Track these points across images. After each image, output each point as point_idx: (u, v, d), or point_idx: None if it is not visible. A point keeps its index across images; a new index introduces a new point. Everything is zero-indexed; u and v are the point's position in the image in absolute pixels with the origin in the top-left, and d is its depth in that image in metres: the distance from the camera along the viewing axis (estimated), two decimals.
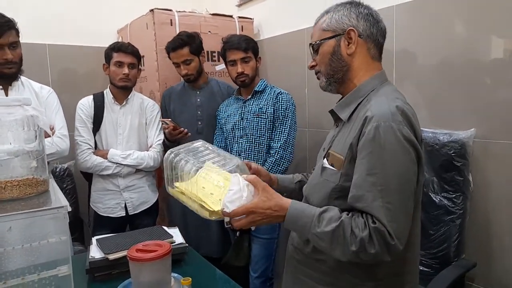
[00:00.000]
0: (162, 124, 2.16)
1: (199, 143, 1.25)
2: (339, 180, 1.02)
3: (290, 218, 1.01)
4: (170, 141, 2.19)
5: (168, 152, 1.19)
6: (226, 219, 1.04)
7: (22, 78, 1.88)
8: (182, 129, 2.12)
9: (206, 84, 2.30)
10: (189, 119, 2.25)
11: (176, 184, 1.16)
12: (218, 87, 2.30)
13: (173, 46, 2.14)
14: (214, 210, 1.04)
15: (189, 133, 2.13)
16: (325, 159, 1.09)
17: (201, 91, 2.28)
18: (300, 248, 1.12)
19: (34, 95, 1.89)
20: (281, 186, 1.33)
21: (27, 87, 1.89)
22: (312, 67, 1.16)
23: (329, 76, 1.11)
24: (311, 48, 1.14)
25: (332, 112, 1.14)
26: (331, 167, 1.06)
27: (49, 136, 1.86)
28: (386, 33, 1.12)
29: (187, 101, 2.27)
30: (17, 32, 1.78)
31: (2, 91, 1.81)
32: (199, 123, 2.26)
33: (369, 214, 0.93)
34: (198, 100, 2.27)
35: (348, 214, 0.96)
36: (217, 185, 1.07)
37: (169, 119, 2.14)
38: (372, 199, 0.92)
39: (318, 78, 1.16)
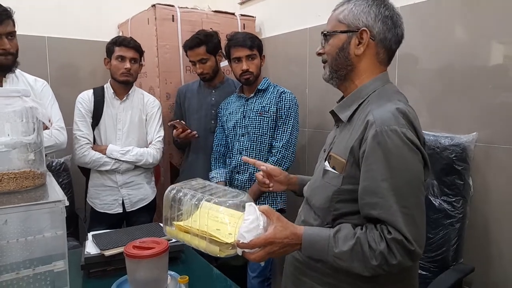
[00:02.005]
0: (173, 126, 2.14)
1: (199, 180, 1.18)
2: (340, 183, 1.01)
3: (306, 244, 0.98)
4: (180, 139, 2.20)
5: (169, 189, 1.12)
6: (239, 251, 0.96)
7: (16, 70, 1.85)
8: (189, 131, 2.10)
9: (222, 84, 2.30)
10: (203, 117, 2.25)
11: (178, 222, 1.08)
12: (234, 86, 2.29)
13: (190, 45, 2.14)
14: (227, 243, 0.97)
15: (197, 135, 2.12)
16: (327, 161, 1.08)
17: (216, 90, 2.28)
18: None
19: (28, 87, 1.85)
20: (301, 186, 1.29)
21: (21, 80, 1.86)
22: (319, 54, 1.13)
23: (332, 71, 1.09)
24: (323, 35, 1.10)
25: (332, 112, 1.12)
26: (332, 170, 1.04)
27: (47, 128, 1.83)
28: (403, 39, 1.08)
29: (202, 99, 2.27)
30: (14, 22, 1.74)
31: None
32: (212, 122, 2.25)
33: (384, 225, 0.92)
34: (213, 99, 2.26)
35: (362, 229, 0.95)
36: (222, 222, 1.00)
37: (178, 121, 2.12)
38: (387, 206, 0.91)
39: (324, 68, 1.13)
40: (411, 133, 0.93)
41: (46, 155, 1.85)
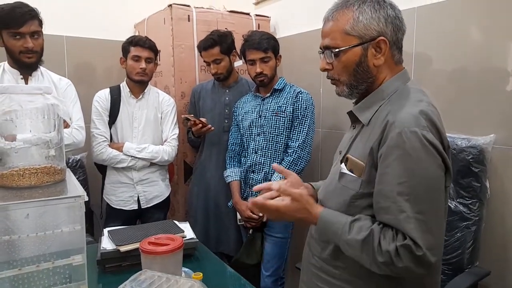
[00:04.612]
0: (186, 120, 2.14)
1: (146, 273, 1.08)
2: (359, 187, 0.98)
3: (321, 225, 0.99)
4: (196, 136, 2.21)
5: None
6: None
7: (42, 68, 1.90)
8: (199, 124, 2.09)
9: (236, 83, 2.31)
10: (217, 117, 2.26)
11: None
12: (248, 86, 2.30)
13: (204, 46, 2.15)
14: None
15: (212, 127, 2.12)
16: (343, 164, 1.03)
17: (230, 89, 2.29)
18: (318, 254, 1.09)
19: (52, 86, 1.90)
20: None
21: (46, 78, 1.91)
22: (325, 70, 1.04)
23: (352, 87, 1.02)
24: (329, 52, 1.00)
25: (350, 113, 1.07)
26: (350, 173, 1.00)
27: (68, 126, 1.87)
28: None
29: (216, 99, 2.28)
30: (40, 22, 1.78)
31: (23, 80, 1.83)
32: (226, 121, 2.26)
33: (397, 231, 0.89)
34: (227, 98, 2.27)
35: (379, 225, 0.93)
36: None
37: (191, 115, 2.13)
38: (399, 211, 0.88)
39: (335, 85, 1.06)
40: (432, 136, 0.89)
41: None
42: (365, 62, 0.98)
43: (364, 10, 0.96)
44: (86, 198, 0.99)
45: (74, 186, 1.10)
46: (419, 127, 0.88)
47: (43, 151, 1.10)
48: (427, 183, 0.89)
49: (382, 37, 0.96)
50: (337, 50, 0.98)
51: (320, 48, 1.04)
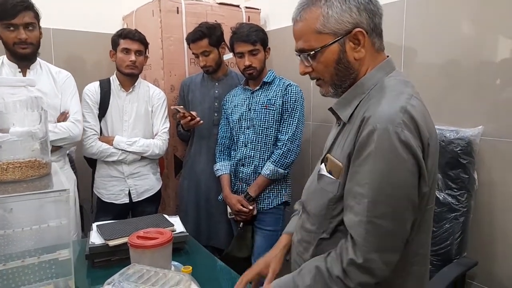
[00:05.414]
0: (176, 112, 2.12)
1: (135, 267, 1.09)
2: (337, 190, 0.93)
3: None
4: (185, 130, 2.20)
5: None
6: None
7: (41, 61, 1.89)
8: (197, 119, 2.07)
9: (225, 76, 2.29)
10: (206, 110, 2.24)
11: None
12: (237, 79, 2.29)
13: (192, 38, 2.13)
14: None
15: (201, 121, 2.10)
16: (323, 164, 1.00)
17: (219, 82, 2.27)
18: (301, 254, 1.07)
19: (51, 79, 1.90)
20: None
21: (45, 71, 1.89)
22: (305, 74, 0.99)
23: (336, 87, 0.97)
24: (306, 55, 0.95)
25: (331, 110, 1.02)
26: (328, 175, 0.96)
27: (64, 120, 1.85)
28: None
29: (206, 92, 2.27)
30: (36, 14, 1.78)
31: (21, 73, 1.82)
32: (215, 114, 2.25)
33: (350, 238, 0.87)
34: (216, 91, 2.26)
35: (322, 261, 0.92)
36: None
37: (181, 107, 2.12)
38: (357, 212, 0.86)
39: (320, 85, 1.01)
40: (408, 134, 0.82)
41: (61, 147, 1.88)
42: (344, 58, 0.92)
43: (332, 4, 0.89)
44: (71, 192, 0.98)
45: (59, 180, 1.08)
46: (393, 124, 0.82)
47: (28, 145, 1.09)
48: (392, 187, 0.84)
49: (358, 28, 0.90)
50: (312, 52, 0.93)
51: (296, 51, 0.99)
